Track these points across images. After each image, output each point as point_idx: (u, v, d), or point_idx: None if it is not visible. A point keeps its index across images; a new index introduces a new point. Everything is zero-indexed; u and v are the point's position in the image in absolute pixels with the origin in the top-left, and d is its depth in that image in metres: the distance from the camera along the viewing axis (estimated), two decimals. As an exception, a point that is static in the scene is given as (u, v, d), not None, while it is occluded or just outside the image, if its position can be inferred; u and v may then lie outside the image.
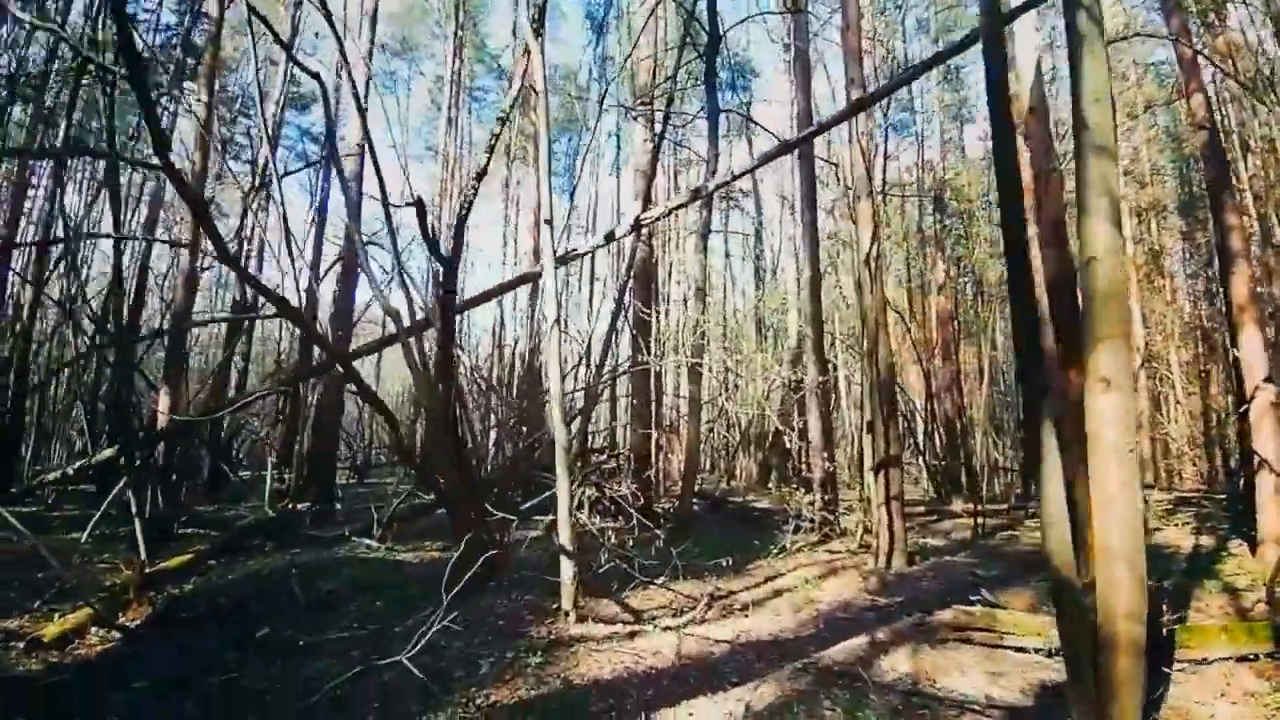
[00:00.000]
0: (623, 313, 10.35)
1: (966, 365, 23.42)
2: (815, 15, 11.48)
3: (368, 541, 8.08)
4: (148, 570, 6.24)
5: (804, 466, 21.37)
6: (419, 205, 5.35)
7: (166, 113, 15.16)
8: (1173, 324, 22.68)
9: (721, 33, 11.07)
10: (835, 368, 16.63)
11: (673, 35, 15.83)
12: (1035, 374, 3.15)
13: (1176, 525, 10.50)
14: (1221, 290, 10.36)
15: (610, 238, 6.11)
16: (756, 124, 9.21)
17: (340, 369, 5.77)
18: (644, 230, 11.81)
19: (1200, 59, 7.47)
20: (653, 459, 13.95)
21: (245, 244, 18.22)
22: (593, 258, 23.04)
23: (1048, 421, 2.94)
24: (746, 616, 5.60)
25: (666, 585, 6.04)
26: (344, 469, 20.03)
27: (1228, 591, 5.99)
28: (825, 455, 10.15)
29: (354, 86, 5.64)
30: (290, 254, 4.72)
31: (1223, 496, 13.32)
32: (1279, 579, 5.40)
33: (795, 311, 20.01)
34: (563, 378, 10.88)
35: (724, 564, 6.67)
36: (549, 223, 5.09)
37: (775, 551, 8.32)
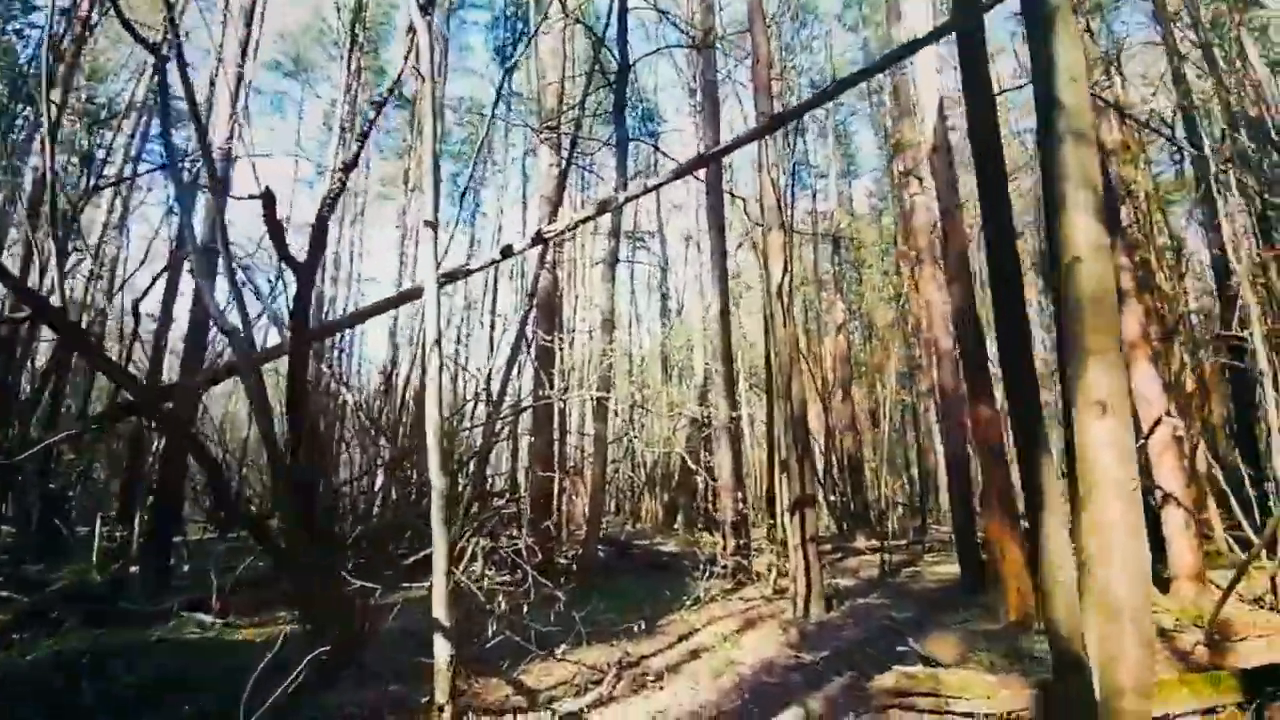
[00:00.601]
0: (524, 344, 9.51)
1: (857, 405, 24.20)
2: (723, 50, 11.54)
3: (201, 615, 6.60)
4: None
5: (710, 507, 21.07)
6: (267, 198, 4.39)
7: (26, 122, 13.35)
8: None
9: (631, 63, 10.87)
10: (739, 406, 16.50)
11: (581, 66, 15.59)
12: (1028, 405, 2.69)
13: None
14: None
15: (508, 252, 5.38)
16: (665, 154, 8.88)
17: (136, 400, 4.58)
18: (547, 256, 11.15)
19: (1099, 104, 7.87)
20: (555, 503, 12.97)
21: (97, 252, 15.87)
22: (494, 292, 22.04)
23: (1047, 459, 2.47)
24: (661, 688, 4.82)
25: (566, 656, 5.16)
26: (200, 523, 17.42)
27: (1157, 633, 5.90)
28: (738, 495, 9.68)
29: (182, 68, 4.62)
30: (46, 251, 3.60)
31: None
32: (1218, 621, 5.30)
33: (701, 349, 19.93)
34: (455, 413, 9.81)
35: (634, 626, 5.88)
36: (431, 225, 4.29)
37: (689, 603, 7.62)
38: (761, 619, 7.22)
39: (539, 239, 5.37)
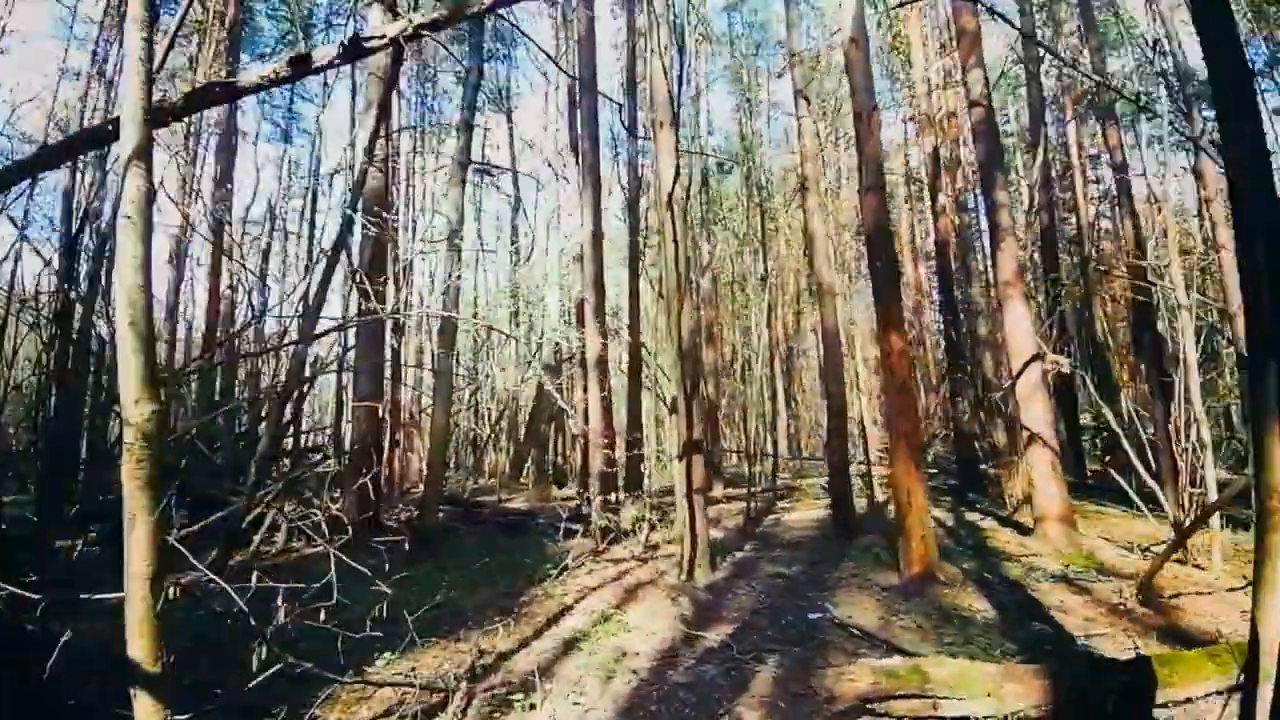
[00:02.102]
0: (346, 253, 7.25)
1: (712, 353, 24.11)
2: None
3: None
4: None
5: (562, 458, 19.75)
6: None
7: None
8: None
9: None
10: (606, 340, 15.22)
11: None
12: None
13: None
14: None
15: (301, 62, 3.39)
16: (529, 38, 6.75)
17: None
18: (377, 151, 8.81)
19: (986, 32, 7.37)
20: (386, 456, 10.86)
21: None
22: (313, 207, 18.37)
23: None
24: (534, 707, 3.41)
25: (391, 671, 3.54)
26: None
27: (1063, 581, 5.53)
28: (607, 441, 8.40)
29: None
30: None
31: (932, 470, 15.03)
32: (1159, 571, 4.91)
33: (558, 288, 18.29)
34: (248, 326, 7.31)
35: (487, 603, 4.39)
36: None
37: (555, 573, 6.26)
38: (641, 586, 6.06)
39: (356, 46, 3.44)
